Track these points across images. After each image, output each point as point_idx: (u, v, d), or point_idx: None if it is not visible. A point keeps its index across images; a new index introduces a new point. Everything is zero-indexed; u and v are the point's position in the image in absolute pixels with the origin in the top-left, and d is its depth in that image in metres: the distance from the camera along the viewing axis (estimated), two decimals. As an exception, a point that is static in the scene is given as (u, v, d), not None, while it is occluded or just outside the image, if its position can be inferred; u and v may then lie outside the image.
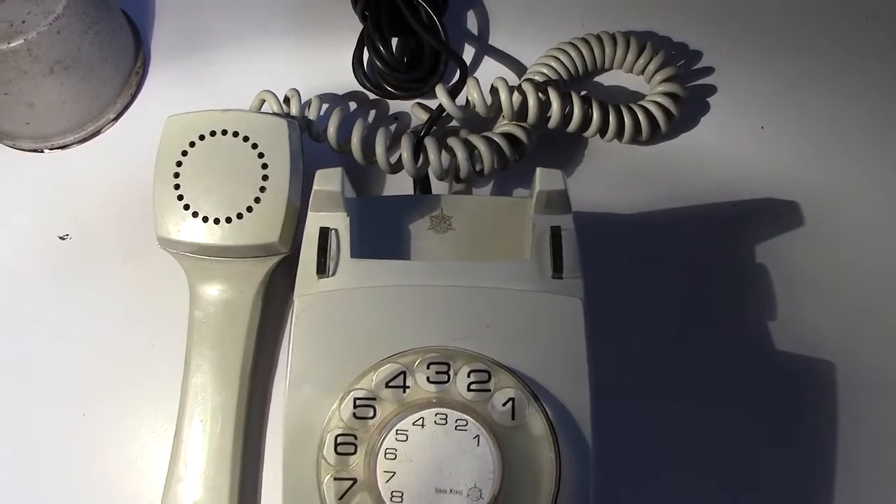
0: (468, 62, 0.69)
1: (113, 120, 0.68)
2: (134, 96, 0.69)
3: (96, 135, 0.68)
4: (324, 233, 0.54)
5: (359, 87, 0.68)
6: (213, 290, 0.60)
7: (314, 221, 0.55)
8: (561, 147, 0.66)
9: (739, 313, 0.62)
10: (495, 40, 0.70)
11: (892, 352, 0.61)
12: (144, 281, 0.63)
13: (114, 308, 0.63)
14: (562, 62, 0.64)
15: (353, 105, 0.67)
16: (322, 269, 0.54)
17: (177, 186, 0.59)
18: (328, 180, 0.54)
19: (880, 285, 0.63)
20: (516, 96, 0.60)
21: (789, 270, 0.63)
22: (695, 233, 0.64)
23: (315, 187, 0.54)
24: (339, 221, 0.55)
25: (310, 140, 0.62)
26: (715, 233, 0.64)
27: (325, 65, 0.69)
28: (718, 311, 0.62)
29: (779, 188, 0.66)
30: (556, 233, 0.54)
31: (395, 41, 0.68)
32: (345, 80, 0.67)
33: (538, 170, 0.54)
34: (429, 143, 0.59)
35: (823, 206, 0.65)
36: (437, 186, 0.63)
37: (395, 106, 0.68)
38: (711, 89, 0.67)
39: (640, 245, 0.64)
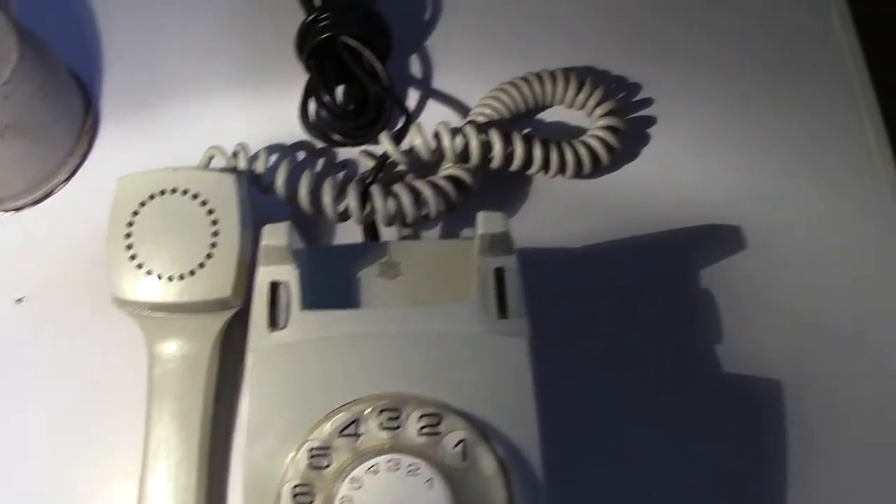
0: (413, 105, 0.70)
1: (65, 180, 0.68)
2: (85, 156, 0.70)
3: (49, 196, 0.69)
4: (273, 287, 0.55)
5: (307, 137, 0.68)
6: (170, 347, 0.61)
7: (264, 275, 0.56)
8: (506, 185, 0.67)
9: (687, 339, 0.64)
10: (439, 82, 0.71)
11: (837, 369, 0.63)
12: (102, 340, 0.64)
13: (73, 368, 0.64)
14: (503, 102, 0.65)
15: (301, 155, 0.68)
16: (273, 323, 0.55)
17: (129, 246, 0.60)
18: (276, 235, 0.55)
19: (823, 303, 0.65)
20: (458, 139, 0.62)
21: (734, 294, 0.65)
22: (640, 262, 0.66)
23: (263, 242, 0.55)
24: (288, 274, 0.56)
25: (259, 192, 0.63)
26: (660, 261, 0.66)
27: (274, 115, 0.70)
28: (667, 339, 0.64)
29: (720, 213, 0.67)
30: (499, 274, 0.55)
31: (340, 89, 0.69)
32: (293, 130, 0.68)
33: (480, 213, 0.55)
34: (374, 190, 0.60)
35: (764, 228, 0.66)
36: (387, 232, 0.64)
37: (343, 153, 0.69)
38: (651, 120, 0.69)
39: (588, 278, 0.65)
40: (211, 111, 0.71)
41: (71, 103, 0.67)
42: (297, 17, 0.69)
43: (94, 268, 0.61)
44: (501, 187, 0.67)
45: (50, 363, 0.64)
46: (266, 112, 0.71)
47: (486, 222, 0.55)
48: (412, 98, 0.71)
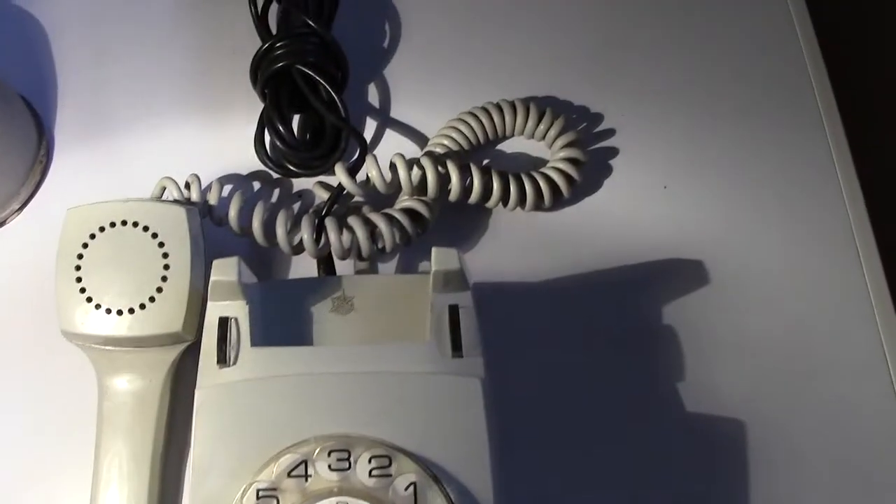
0: (371, 135, 0.69)
1: (17, 210, 0.67)
2: (38, 185, 0.68)
3: (0, 226, 0.67)
4: (223, 322, 0.55)
5: (262, 167, 0.66)
6: (120, 381, 0.60)
7: (213, 311, 0.55)
8: (465, 217, 0.66)
9: (648, 376, 0.63)
10: (397, 112, 0.70)
11: (798, 407, 0.62)
12: (53, 373, 0.63)
13: (22, 402, 0.63)
14: (462, 133, 0.64)
15: (256, 185, 0.67)
16: (223, 359, 0.54)
17: (79, 279, 0.59)
18: (225, 270, 0.55)
19: (785, 341, 0.64)
20: (415, 171, 0.61)
21: (696, 330, 0.64)
22: (601, 298, 0.65)
23: (212, 278, 0.54)
24: (238, 310, 0.55)
25: (213, 224, 0.62)
26: (621, 296, 0.65)
27: (229, 145, 0.69)
28: (628, 376, 0.63)
29: (683, 247, 0.66)
30: (453, 312, 0.54)
31: (297, 118, 0.68)
32: (248, 160, 0.67)
33: (434, 249, 0.54)
34: (329, 223, 0.59)
35: (727, 263, 0.66)
36: (343, 265, 0.63)
37: (300, 183, 0.68)
38: (613, 151, 0.68)
39: (547, 313, 0.65)
40: (167, 139, 0.70)
41: (22, 133, 0.66)
42: (254, 44, 0.68)
43: (48, 299, 0.60)
44: (459, 219, 0.66)
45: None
46: (221, 140, 0.70)
47: (440, 258, 0.54)
48: (369, 128, 0.70)
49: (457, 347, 0.54)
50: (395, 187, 0.61)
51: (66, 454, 0.61)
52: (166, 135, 0.71)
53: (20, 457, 0.62)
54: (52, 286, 0.59)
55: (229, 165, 0.69)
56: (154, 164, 0.68)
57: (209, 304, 0.55)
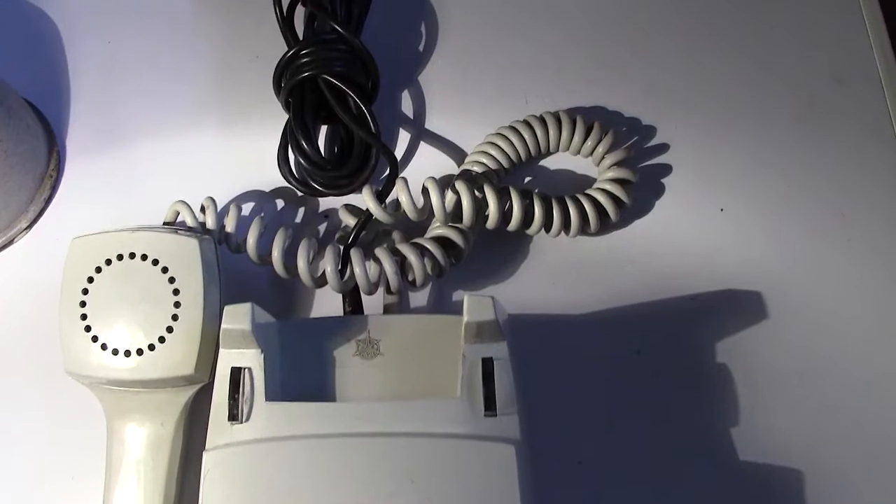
0: (403, 148, 0.65)
1: (26, 229, 0.64)
2: (48, 202, 0.65)
3: (8, 245, 0.64)
4: (235, 374, 0.51)
5: (286, 183, 0.61)
6: (130, 423, 0.56)
7: (225, 360, 0.51)
8: (503, 243, 0.61)
9: (700, 419, 0.58)
10: (431, 122, 0.65)
11: (866, 456, 0.57)
12: (60, 408, 0.59)
13: (28, 439, 0.60)
14: (502, 149, 0.60)
15: (279, 203, 0.63)
16: (235, 415, 0.50)
17: (84, 316, 0.55)
18: (237, 317, 0.50)
19: (847, 380, 0.59)
20: (449, 196, 0.56)
21: (752, 368, 0.59)
22: (650, 330, 0.60)
23: (224, 325, 0.50)
24: (252, 359, 0.51)
25: (230, 252, 0.58)
26: (673, 330, 0.60)
27: (251, 158, 0.65)
28: (677, 419, 0.58)
29: (740, 277, 0.61)
30: (487, 367, 0.50)
31: (324, 128, 0.65)
32: (271, 174, 0.63)
33: (466, 298, 0.50)
34: (354, 255, 0.55)
35: (788, 295, 0.60)
36: (371, 296, 0.59)
37: (326, 202, 0.64)
38: (666, 169, 0.62)
39: (591, 348, 0.60)
40: (182, 151, 0.66)
41: (31, 147, 0.62)
42: (278, 49, 0.64)
43: (56, 323, 0.56)
44: (497, 245, 0.62)
45: (2, 431, 0.60)
46: (242, 153, 0.66)
47: (473, 308, 0.50)
48: (402, 140, 0.66)
49: (490, 406, 0.50)
50: (427, 213, 0.57)
51: (76, 496, 0.58)
52: (183, 146, 0.66)
53: (29, 495, 0.59)
54: (59, 302, 0.55)
55: (251, 181, 0.65)
56: (170, 177, 0.65)
57: (221, 351, 0.51)
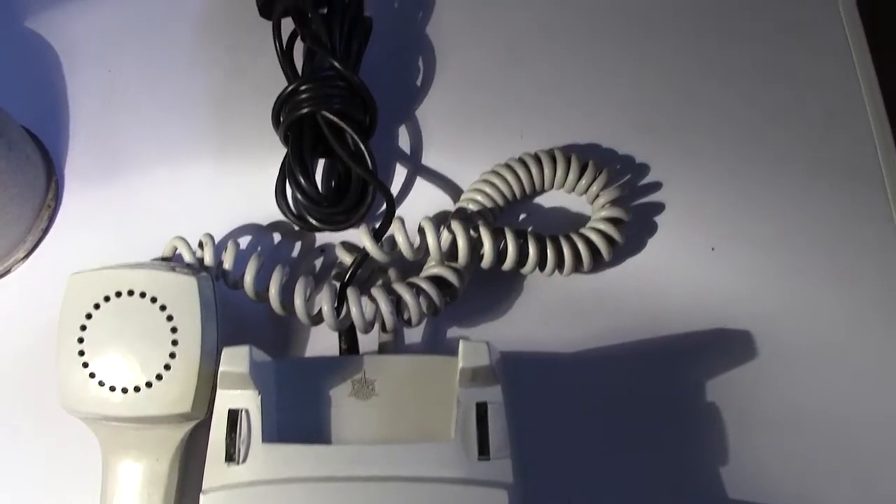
0: (400, 183, 0.65)
1: (23, 258, 0.64)
2: (46, 231, 0.65)
3: (5, 275, 0.64)
4: (233, 415, 0.51)
5: (284, 218, 0.62)
6: (126, 457, 0.56)
7: (223, 401, 0.52)
8: (497, 281, 0.62)
9: (691, 457, 0.59)
10: (428, 158, 0.66)
11: (849, 495, 0.58)
12: (55, 441, 0.60)
13: (23, 472, 0.60)
14: (497, 188, 0.60)
15: (276, 237, 0.63)
16: (231, 456, 0.51)
17: (81, 353, 0.55)
18: (235, 360, 0.51)
19: (836, 421, 0.59)
20: (445, 236, 0.57)
21: (742, 407, 0.60)
22: (642, 370, 0.61)
23: (222, 368, 0.51)
24: (249, 401, 0.52)
25: (227, 288, 0.58)
26: (664, 369, 0.61)
27: (248, 191, 0.65)
28: (668, 457, 0.59)
29: (730, 316, 0.62)
30: (481, 411, 0.51)
31: (322, 161, 0.65)
32: (269, 208, 0.63)
33: (461, 344, 0.50)
34: (350, 294, 0.55)
35: (778, 334, 0.61)
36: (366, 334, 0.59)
37: (323, 237, 0.65)
38: (659, 207, 0.63)
39: (583, 385, 0.61)
40: (181, 182, 0.67)
41: (29, 178, 0.62)
42: (277, 82, 0.65)
43: (53, 356, 0.57)
44: (491, 283, 0.62)
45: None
46: (240, 185, 0.66)
47: (468, 354, 0.51)
48: (398, 175, 0.66)
49: (483, 450, 0.51)
50: (423, 252, 0.58)
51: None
52: (182, 177, 0.67)
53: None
54: (57, 338, 0.56)
55: (249, 213, 0.65)
56: (168, 208, 0.66)
57: (218, 392, 0.52)
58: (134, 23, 0.71)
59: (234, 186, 0.66)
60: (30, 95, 0.70)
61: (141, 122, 0.69)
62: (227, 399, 0.52)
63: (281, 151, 0.63)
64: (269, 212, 0.64)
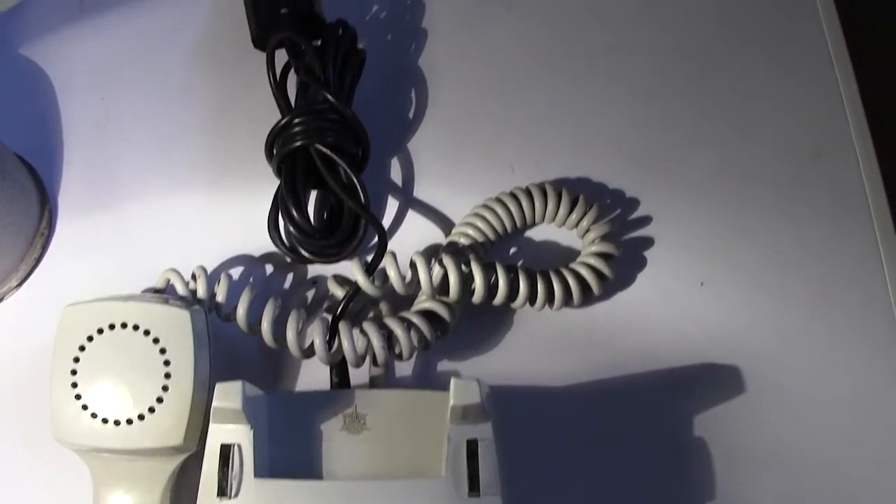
0: (392, 216, 0.66)
1: (16, 286, 0.64)
2: (39, 260, 0.65)
3: (-2, 303, 0.61)
4: (225, 450, 0.52)
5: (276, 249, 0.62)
6: (118, 489, 0.57)
7: (215, 436, 0.52)
8: (488, 315, 0.62)
9: (678, 493, 0.60)
10: (420, 190, 0.66)
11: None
12: (46, 472, 0.60)
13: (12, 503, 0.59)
14: (488, 222, 0.61)
15: (269, 268, 0.64)
16: (223, 491, 0.51)
17: (74, 384, 0.56)
18: (229, 396, 0.52)
19: (824, 459, 0.60)
20: (437, 271, 0.58)
21: (730, 443, 0.60)
22: (631, 404, 0.61)
23: (215, 403, 0.51)
24: (241, 436, 0.52)
25: (220, 321, 0.59)
26: (653, 404, 0.61)
27: (242, 220, 0.66)
28: (658, 492, 0.60)
29: (719, 351, 0.62)
30: (472, 448, 0.52)
31: (314, 193, 0.65)
32: (261, 238, 0.64)
33: (453, 381, 0.51)
34: (342, 328, 0.56)
35: (766, 370, 0.62)
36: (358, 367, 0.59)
37: (315, 268, 0.65)
38: (648, 242, 0.64)
39: (572, 419, 0.61)
40: (175, 211, 0.67)
41: (23, 206, 0.63)
42: (270, 111, 0.65)
43: (45, 386, 0.57)
44: (482, 317, 0.63)
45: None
46: (234, 215, 0.66)
47: (460, 392, 0.51)
48: (390, 207, 0.66)
49: (474, 487, 0.51)
50: (414, 286, 0.58)
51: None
52: (175, 207, 0.67)
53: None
54: (50, 370, 0.56)
55: (241, 243, 0.66)
56: (162, 237, 0.66)
57: (211, 426, 0.52)
58: (129, 51, 0.72)
59: (228, 216, 0.66)
60: (24, 123, 0.70)
61: (135, 151, 0.69)
62: (219, 434, 0.52)
63: (274, 181, 0.64)
64: (261, 242, 0.64)
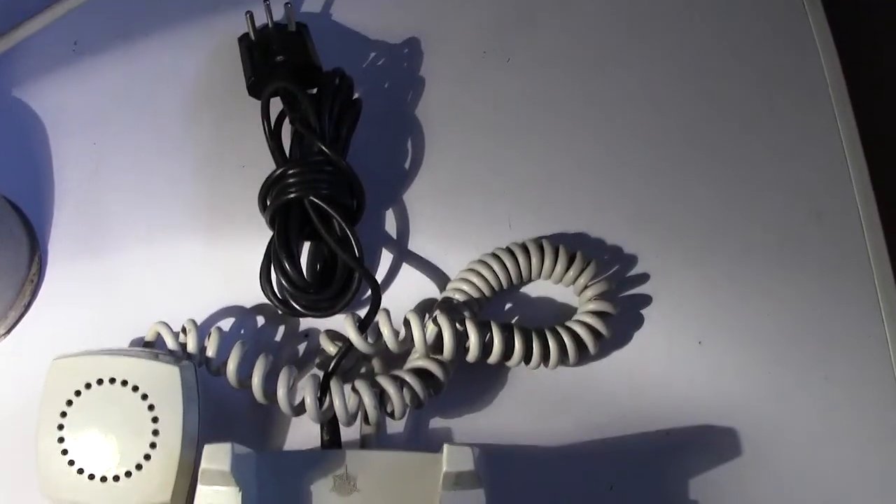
0: (386, 269, 0.65)
1: (3, 335, 0.63)
2: (27, 307, 0.64)
3: (-15, 351, 0.61)
4: None
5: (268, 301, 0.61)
6: (103, 547, 0.53)
7: (203, 498, 0.52)
8: (481, 373, 0.61)
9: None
10: (415, 243, 0.65)
11: None
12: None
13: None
14: (484, 278, 0.60)
15: (260, 320, 0.63)
16: None
17: (61, 439, 0.55)
18: (217, 458, 0.51)
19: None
20: (430, 329, 0.57)
21: (727, 506, 0.56)
22: (625, 465, 0.61)
23: (203, 465, 0.51)
24: (230, 498, 0.52)
25: (210, 375, 0.58)
26: (647, 465, 0.61)
27: (235, 272, 0.65)
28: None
29: (715, 412, 0.62)
30: (464, 515, 0.47)
31: (307, 244, 0.64)
32: (254, 291, 0.63)
33: (446, 448, 0.51)
34: (334, 387, 0.55)
35: (764, 431, 0.61)
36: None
37: (307, 322, 0.64)
38: (646, 299, 0.63)
39: (566, 481, 0.60)
40: (167, 259, 0.66)
41: (12, 254, 0.62)
42: (264, 159, 0.65)
43: (28, 436, 0.57)
44: (476, 374, 0.62)
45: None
46: (228, 268, 0.66)
47: (453, 458, 0.51)
48: (384, 260, 0.66)
49: (466, 555, 0.47)
50: (408, 344, 0.57)
51: None
52: (167, 255, 0.66)
53: None
54: (37, 423, 0.56)
55: (233, 294, 0.65)
56: (153, 287, 0.66)
57: (199, 488, 0.52)
58: (122, 95, 0.71)
59: (220, 266, 0.66)
60: (15, 166, 0.69)
61: (126, 198, 0.68)
62: (207, 496, 0.52)
63: (267, 230, 0.63)
64: (253, 294, 0.63)
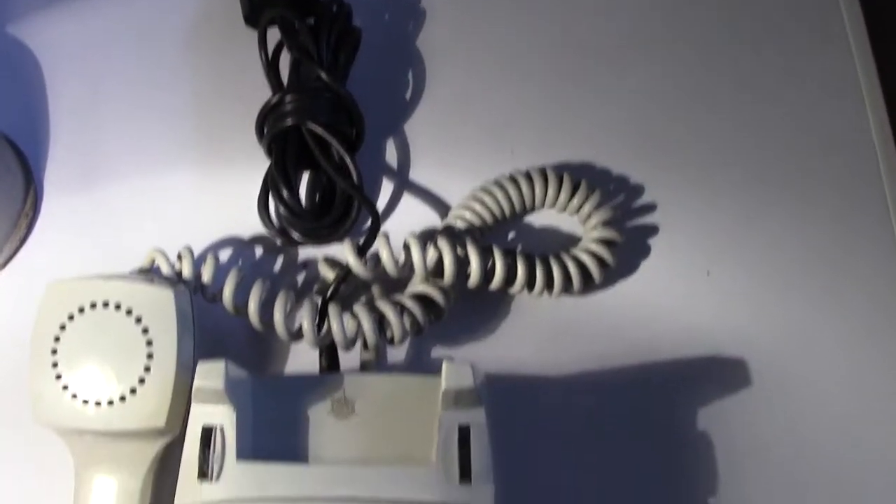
0: (386, 199, 0.64)
1: (0, 268, 0.60)
2: (23, 240, 0.64)
3: (-20, 286, 0.60)
4: (206, 432, 0.50)
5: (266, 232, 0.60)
6: (99, 472, 0.55)
7: (197, 417, 0.50)
8: (484, 301, 0.60)
9: (680, 485, 0.58)
10: (416, 173, 0.64)
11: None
12: (28, 453, 0.59)
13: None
14: (486, 206, 0.59)
15: (258, 251, 0.62)
16: (204, 473, 0.49)
17: (55, 364, 0.54)
18: (211, 375, 0.50)
19: (827, 454, 0.58)
20: (431, 254, 0.56)
21: (732, 437, 0.58)
22: (631, 397, 0.59)
23: (196, 383, 0.49)
24: (224, 417, 0.50)
25: (206, 302, 0.57)
26: (654, 395, 0.59)
27: (232, 202, 0.64)
28: (655, 488, 0.58)
29: (724, 343, 0.60)
30: (464, 434, 0.49)
31: (306, 173, 0.63)
32: (251, 220, 0.62)
33: (445, 365, 0.49)
34: (332, 311, 0.54)
35: (773, 362, 0.60)
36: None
37: (306, 252, 0.63)
38: (653, 229, 0.62)
39: (570, 411, 0.59)
40: (162, 191, 0.65)
41: (7, 186, 0.61)
42: (262, 90, 0.63)
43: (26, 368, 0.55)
44: (478, 302, 0.61)
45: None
46: (222, 196, 0.64)
47: (452, 375, 0.49)
48: (385, 190, 0.64)
49: (465, 473, 0.49)
50: (408, 269, 0.56)
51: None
52: (163, 187, 0.65)
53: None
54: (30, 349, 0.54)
55: (230, 225, 0.64)
56: (148, 218, 0.65)
57: (192, 407, 0.51)
58: (117, 30, 0.70)
59: (217, 197, 0.65)
60: (9, 102, 0.68)
61: (122, 131, 0.67)
62: (201, 415, 0.50)
63: (264, 163, 0.62)
64: (251, 225, 0.62)
